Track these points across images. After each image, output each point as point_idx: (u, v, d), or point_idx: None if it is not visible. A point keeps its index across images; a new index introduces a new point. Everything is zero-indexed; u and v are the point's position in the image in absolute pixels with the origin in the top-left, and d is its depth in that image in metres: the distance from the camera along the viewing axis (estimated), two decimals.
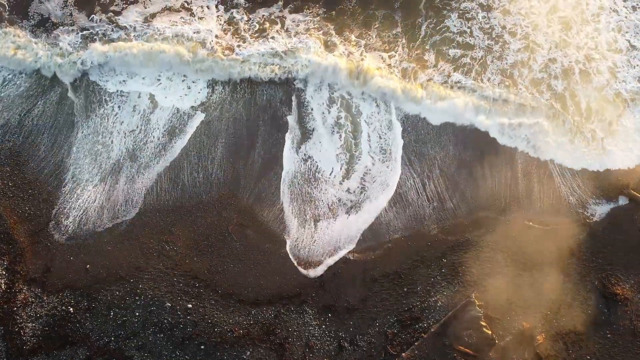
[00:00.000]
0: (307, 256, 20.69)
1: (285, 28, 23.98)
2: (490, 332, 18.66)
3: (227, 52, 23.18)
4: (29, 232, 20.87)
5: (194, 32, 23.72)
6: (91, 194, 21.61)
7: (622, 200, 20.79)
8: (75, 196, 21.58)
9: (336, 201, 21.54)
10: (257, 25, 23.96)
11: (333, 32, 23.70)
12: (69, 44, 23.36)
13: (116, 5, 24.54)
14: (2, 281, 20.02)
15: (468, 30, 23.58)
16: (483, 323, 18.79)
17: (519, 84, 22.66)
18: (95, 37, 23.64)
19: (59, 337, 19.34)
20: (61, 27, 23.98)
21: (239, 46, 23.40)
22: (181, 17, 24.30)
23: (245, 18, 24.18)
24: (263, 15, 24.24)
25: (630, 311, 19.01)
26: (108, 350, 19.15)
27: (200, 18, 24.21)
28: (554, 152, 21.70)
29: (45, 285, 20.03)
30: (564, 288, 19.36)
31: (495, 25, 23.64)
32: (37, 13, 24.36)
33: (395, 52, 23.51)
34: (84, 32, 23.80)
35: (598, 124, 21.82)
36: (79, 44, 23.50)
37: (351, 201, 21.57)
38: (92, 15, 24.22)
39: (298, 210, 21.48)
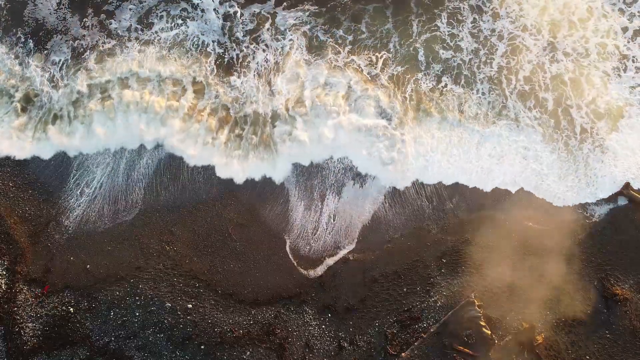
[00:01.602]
0: (308, 255, 20.72)
1: (275, 25, 23.70)
2: (489, 332, 18.69)
3: (221, 87, 22.88)
4: (30, 232, 20.92)
5: (196, 36, 23.61)
6: (92, 193, 21.66)
7: (622, 201, 20.78)
8: (76, 196, 21.63)
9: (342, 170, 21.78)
10: (251, 24, 23.79)
11: (320, 29, 23.55)
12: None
13: (110, 3, 24.20)
14: (3, 281, 20.07)
15: (459, 34, 23.26)
16: (482, 323, 18.81)
17: (507, 96, 22.38)
18: (86, 51, 23.40)
19: (59, 337, 19.40)
20: (55, 37, 23.65)
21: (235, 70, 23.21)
22: (181, 10, 24.05)
23: (240, 12, 24.00)
24: (254, 12, 24.06)
25: (629, 311, 19.01)
26: (108, 350, 19.21)
27: (203, 10, 23.97)
28: (544, 194, 21.33)
29: (46, 285, 20.07)
30: (563, 288, 19.38)
31: (485, 28, 23.34)
32: (31, 18, 24.22)
33: (387, 52, 23.18)
34: (76, 43, 23.46)
35: (591, 146, 21.52)
36: (69, 66, 23.23)
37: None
38: (84, 19, 24.06)
39: (304, 188, 21.67)
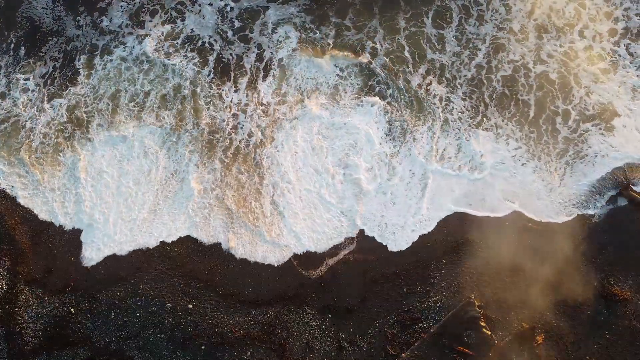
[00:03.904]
0: (308, 256, 20.73)
1: (264, 22, 23.86)
2: (489, 333, 18.70)
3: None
4: (30, 233, 20.96)
5: (193, 33, 23.74)
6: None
7: (621, 201, 20.79)
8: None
9: None
10: (242, 21, 23.94)
11: (309, 23, 23.67)
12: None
13: (102, 1, 24.41)
14: (4, 282, 20.11)
15: (446, 35, 23.26)
16: (482, 323, 18.83)
17: (488, 103, 22.36)
18: (79, 54, 23.64)
19: (60, 337, 19.44)
20: (50, 41, 23.82)
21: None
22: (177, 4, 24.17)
23: (231, 6, 24.16)
24: (246, 8, 24.21)
25: (629, 312, 19.02)
26: (109, 350, 19.25)
27: (200, 5, 24.05)
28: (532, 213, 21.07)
29: (47, 286, 20.13)
30: (563, 289, 19.38)
31: (472, 32, 23.28)
32: (25, 18, 24.29)
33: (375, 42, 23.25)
34: (70, 46, 23.66)
35: (573, 158, 21.41)
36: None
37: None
38: (77, 18, 24.18)
39: None
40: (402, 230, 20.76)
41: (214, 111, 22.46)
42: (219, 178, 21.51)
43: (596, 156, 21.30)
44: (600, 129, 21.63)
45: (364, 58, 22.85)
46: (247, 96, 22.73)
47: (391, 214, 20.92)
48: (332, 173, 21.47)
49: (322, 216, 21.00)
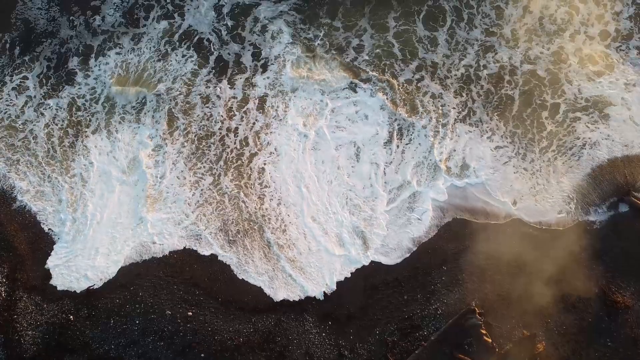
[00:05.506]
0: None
1: (255, 17, 24.04)
2: (490, 340, 18.62)
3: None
4: (29, 239, 20.88)
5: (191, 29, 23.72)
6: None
7: (623, 208, 20.72)
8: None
9: None
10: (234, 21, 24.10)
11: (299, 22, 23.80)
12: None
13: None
14: (3, 289, 20.03)
15: (438, 37, 23.38)
16: (483, 331, 18.75)
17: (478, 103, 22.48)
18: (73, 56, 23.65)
19: (59, 345, 19.37)
20: (45, 43, 23.76)
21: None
22: None
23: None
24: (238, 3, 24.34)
25: (630, 319, 18.96)
26: (108, 358, 19.17)
27: None
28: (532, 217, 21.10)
29: (46, 293, 20.05)
30: (564, 296, 19.32)
31: (461, 35, 23.40)
32: (19, 19, 24.24)
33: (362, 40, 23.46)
34: (65, 47, 23.66)
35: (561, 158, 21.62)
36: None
37: None
38: (71, 17, 24.16)
39: None
40: (398, 246, 20.70)
41: (208, 109, 22.37)
42: (207, 192, 21.41)
43: (584, 145, 21.59)
44: (593, 117, 22.00)
45: (359, 78, 22.94)
46: (243, 92, 22.73)
47: (389, 232, 20.85)
48: (331, 196, 21.47)
49: (324, 258, 20.72)
